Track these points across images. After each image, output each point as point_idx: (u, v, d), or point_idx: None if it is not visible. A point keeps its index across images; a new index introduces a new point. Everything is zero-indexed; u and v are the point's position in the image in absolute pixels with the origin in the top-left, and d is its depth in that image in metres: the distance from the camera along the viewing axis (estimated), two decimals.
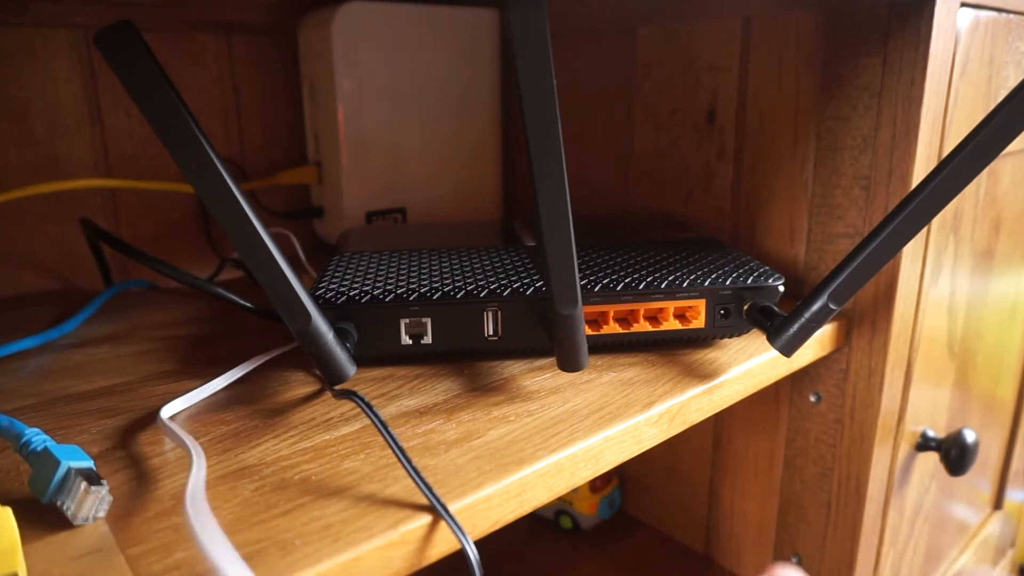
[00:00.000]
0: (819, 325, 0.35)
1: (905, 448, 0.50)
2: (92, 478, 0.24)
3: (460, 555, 0.25)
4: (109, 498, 0.25)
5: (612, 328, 0.37)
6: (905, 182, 0.42)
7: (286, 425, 0.31)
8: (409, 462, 0.27)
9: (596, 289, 0.37)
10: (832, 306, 0.34)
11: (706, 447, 0.59)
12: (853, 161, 0.44)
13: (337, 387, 0.33)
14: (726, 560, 0.59)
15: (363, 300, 0.35)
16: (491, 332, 0.37)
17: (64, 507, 0.24)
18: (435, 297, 0.36)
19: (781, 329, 0.35)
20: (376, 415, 0.29)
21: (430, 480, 0.27)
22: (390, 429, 0.29)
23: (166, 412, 0.31)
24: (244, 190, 0.28)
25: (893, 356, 0.45)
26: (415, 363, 0.38)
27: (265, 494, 0.26)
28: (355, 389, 0.33)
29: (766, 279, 0.38)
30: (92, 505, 0.24)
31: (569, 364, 0.33)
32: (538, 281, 0.37)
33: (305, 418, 0.32)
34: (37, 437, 0.26)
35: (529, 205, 0.68)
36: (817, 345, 0.44)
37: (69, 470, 0.24)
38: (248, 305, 0.42)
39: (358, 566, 0.23)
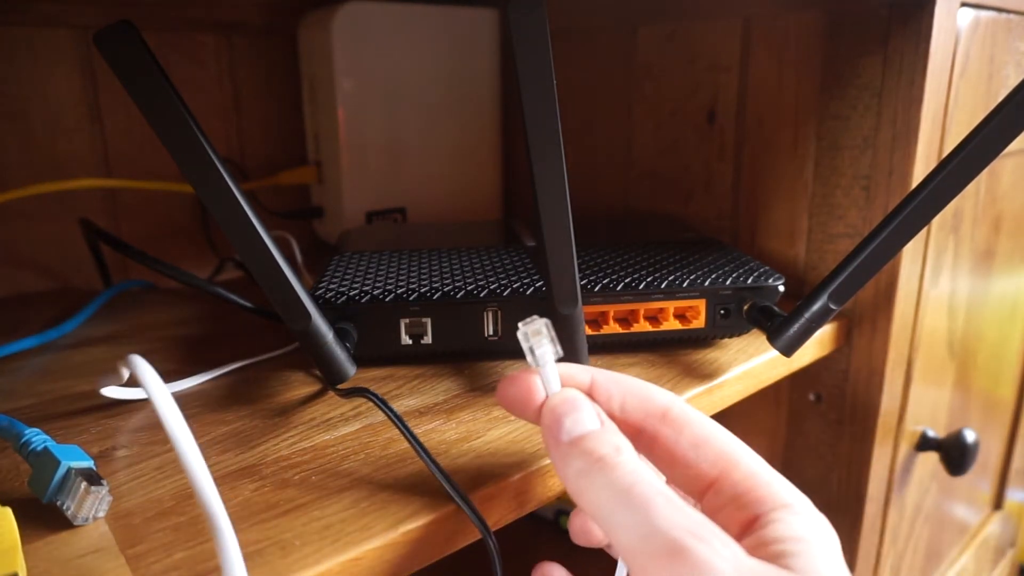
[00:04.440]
0: (819, 325, 0.35)
1: (905, 448, 0.50)
2: (92, 478, 0.24)
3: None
4: (109, 498, 0.25)
5: (612, 328, 0.37)
6: (905, 182, 0.42)
7: (286, 425, 0.31)
8: (427, 453, 0.27)
9: (596, 289, 0.37)
10: (832, 306, 0.34)
11: None
12: (853, 161, 0.44)
13: (344, 385, 0.33)
14: None
15: (363, 300, 0.35)
16: (491, 332, 0.37)
17: (64, 507, 0.24)
18: (435, 297, 0.36)
19: (781, 329, 0.35)
20: (390, 409, 0.29)
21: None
22: (405, 422, 0.29)
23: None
24: (244, 190, 0.28)
25: (893, 356, 0.45)
26: (415, 363, 0.38)
27: (265, 494, 0.26)
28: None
29: (766, 279, 0.38)
30: (92, 505, 0.24)
31: None
32: (538, 281, 0.37)
33: (305, 418, 0.32)
34: (37, 437, 0.26)
35: (529, 205, 0.68)
36: (817, 345, 0.44)
37: (69, 470, 0.24)
38: (248, 305, 0.42)
39: (358, 566, 0.23)
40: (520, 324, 0.24)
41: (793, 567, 0.19)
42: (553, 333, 0.24)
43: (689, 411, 0.24)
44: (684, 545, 0.18)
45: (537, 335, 0.24)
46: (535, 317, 0.24)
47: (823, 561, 0.20)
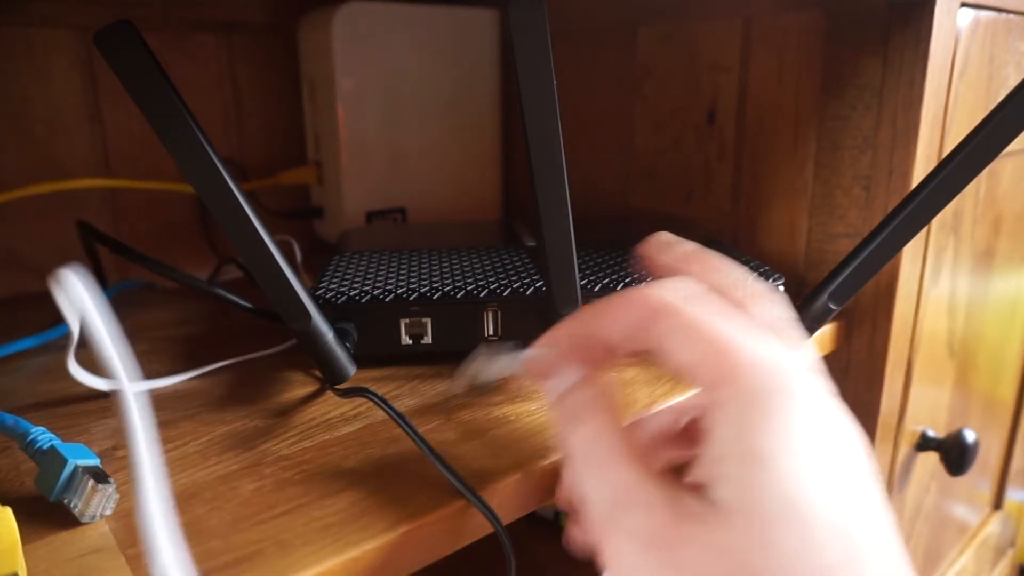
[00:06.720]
0: (819, 325, 0.35)
1: (905, 448, 0.50)
2: (99, 476, 0.24)
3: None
4: (116, 496, 0.25)
5: None
6: (905, 182, 0.42)
7: (286, 425, 0.31)
8: (432, 451, 0.27)
9: (596, 289, 0.37)
10: (832, 306, 0.34)
11: None
12: (853, 161, 0.44)
13: (344, 385, 0.33)
14: None
15: (363, 300, 0.35)
16: (491, 332, 0.37)
17: (71, 505, 0.24)
18: (435, 297, 0.36)
19: None
20: (391, 408, 0.29)
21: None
22: (408, 420, 0.29)
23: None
24: (244, 190, 0.28)
25: (893, 356, 0.45)
26: (415, 363, 0.38)
27: (265, 494, 0.26)
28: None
29: (766, 279, 0.38)
30: (100, 503, 0.24)
31: None
32: (538, 281, 0.37)
33: (305, 418, 0.32)
34: (43, 436, 0.26)
35: (529, 205, 0.68)
36: (817, 345, 0.44)
37: (76, 468, 0.24)
38: (248, 305, 0.42)
39: (358, 566, 0.23)
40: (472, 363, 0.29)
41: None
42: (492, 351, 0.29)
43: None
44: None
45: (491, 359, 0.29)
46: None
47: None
